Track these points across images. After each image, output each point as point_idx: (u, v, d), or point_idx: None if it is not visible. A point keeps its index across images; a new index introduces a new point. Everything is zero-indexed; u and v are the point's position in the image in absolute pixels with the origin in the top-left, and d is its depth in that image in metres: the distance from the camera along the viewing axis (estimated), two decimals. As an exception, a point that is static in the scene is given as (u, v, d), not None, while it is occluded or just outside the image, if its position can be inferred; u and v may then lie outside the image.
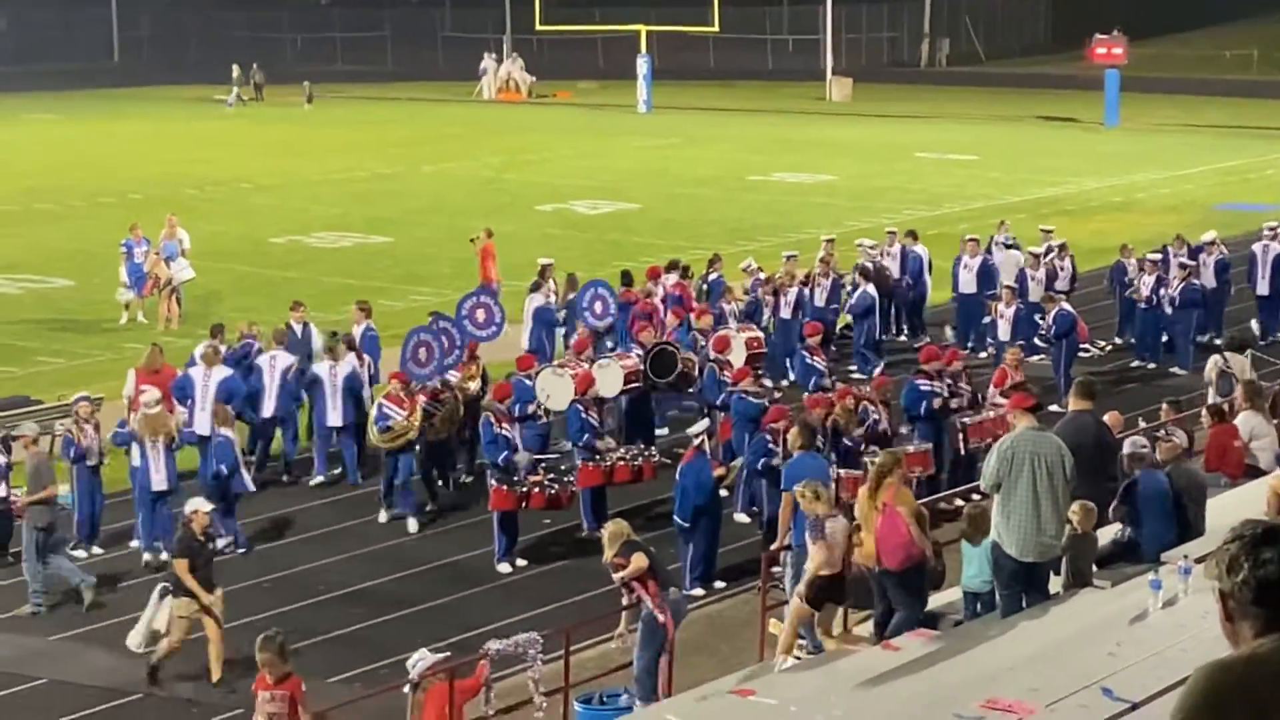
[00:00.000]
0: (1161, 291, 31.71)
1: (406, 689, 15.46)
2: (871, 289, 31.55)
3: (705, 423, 23.31)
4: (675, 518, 20.97)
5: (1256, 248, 34.33)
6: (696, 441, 21.35)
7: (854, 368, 30.79)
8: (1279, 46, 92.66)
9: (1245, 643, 4.91)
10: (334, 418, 25.61)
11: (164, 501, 22.30)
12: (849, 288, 31.88)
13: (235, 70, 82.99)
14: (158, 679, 18.58)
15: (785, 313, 31.00)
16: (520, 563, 22.17)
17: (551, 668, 16.81)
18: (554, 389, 24.79)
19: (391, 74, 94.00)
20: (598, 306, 28.95)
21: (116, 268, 35.76)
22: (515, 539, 22.31)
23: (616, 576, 17.25)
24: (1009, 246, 34.60)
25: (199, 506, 19.02)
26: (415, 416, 23.38)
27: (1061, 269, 32.89)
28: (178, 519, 20.00)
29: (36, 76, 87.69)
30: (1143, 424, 21.97)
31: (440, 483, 24.57)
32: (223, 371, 25.12)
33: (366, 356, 26.64)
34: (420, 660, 15.39)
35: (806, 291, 31.65)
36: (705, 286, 31.95)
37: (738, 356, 26.81)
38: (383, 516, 23.75)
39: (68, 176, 55.88)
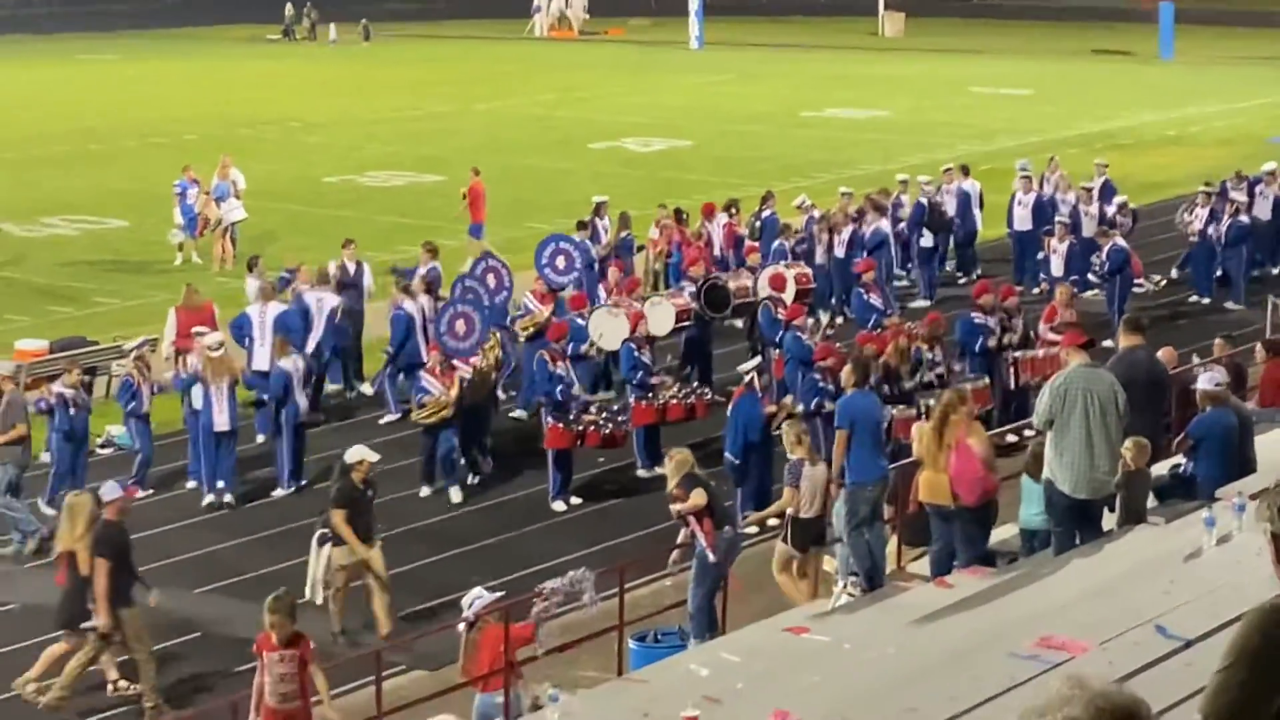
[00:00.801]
0: (1213, 227, 31.54)
1: (461, 628, 15.54)
2: (885, 223, 31.40)
3: (757, 360, 23.31)
4: (727, 455, 21.01)
5: None
6: (747, 379, 21.37)
7: (916, 299, 30.94)
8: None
9: (1297, 584, 4.94)
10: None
11: (227, 443, 22.42)
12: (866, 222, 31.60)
13: (288, 9, 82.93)
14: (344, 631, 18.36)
15: (840, 250, 30.89)
16: (575, 501, 22.27)
17: (605, 606, 16.88)
18: (608, 328, 24.80)
19: (444, 11, 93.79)
20: (560, 261, 27.43)
21: (171, 209, 35.89)
22: (570, 477, 22.41)
23: (674, 508, 17.34)
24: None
25: (364, 455, 18.49)
26: (453, 391, 22.48)
27: (1086, 213, 32.48)
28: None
29: (88, 17, 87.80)
30: (1196, 359, 21.89)
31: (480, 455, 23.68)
32: (278, 307, 25.24)
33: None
34: (476, 599, 15.44)
35: (862, 228, 31.53)
36: (758, 224, 31.89)
37: (789, 293, 26.79)
38: (424, 491, 22.78)
39: (121, 117, 56.02)
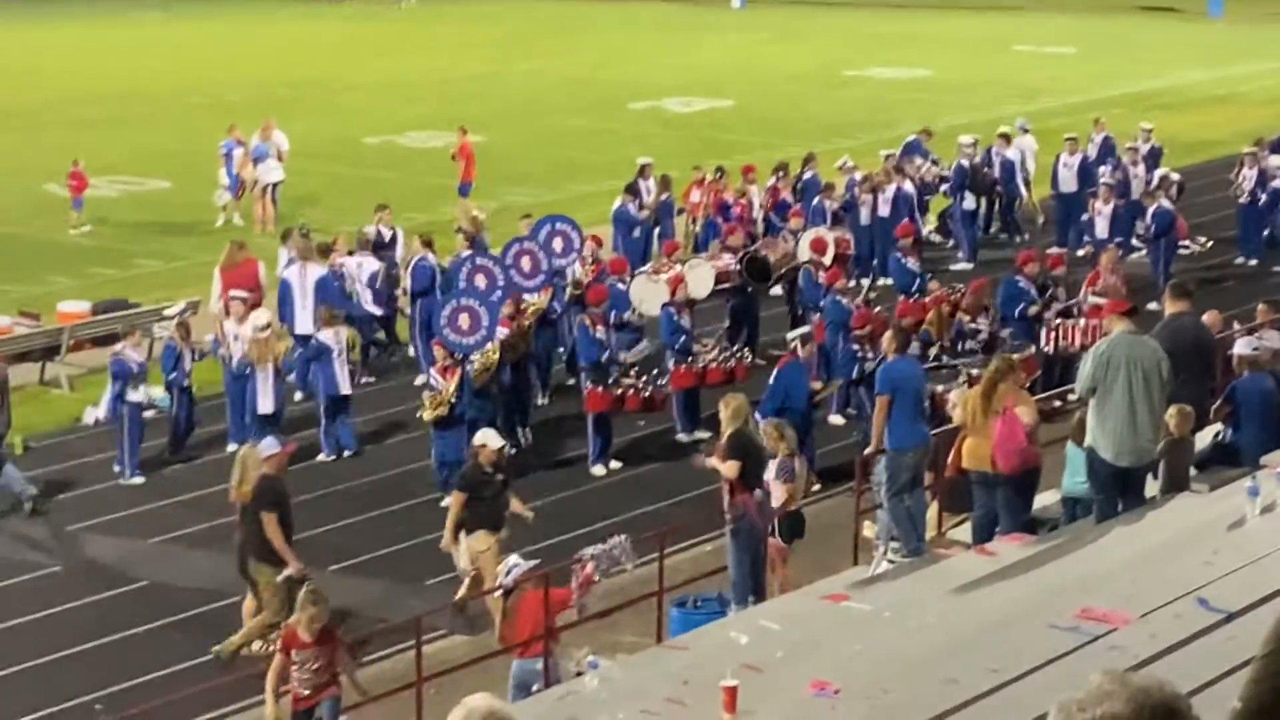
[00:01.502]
0: (1261, 188, 31.35)
1: (499, 594, 15.52)
2: (908, 185, 31.28)
3: (805, 328, 23.18)
4: (758, 417, 20.85)
5: None
6: (792, 346, 21.30)
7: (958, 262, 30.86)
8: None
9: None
10: None
11: (272, 426, 22.33)
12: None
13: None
14: (463, 610, 17.81)
15: (884, 210, 30.74)
16: (614, 465, 22.24)
17: (646, 571, 16.88)
18: (648, 294, 24.71)
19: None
20: (557, 244, 25.06)
21: (213, 170, 35.91)
22: (610, 441, 22.38)
23: (705, 461, 17.38)
24: (1025, 131, 34.54)
25: (488, 440, 17.92)
26: (452, 389, 21.41)
27: (1135, 176, 32.32)
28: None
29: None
30: (1237, 325, 21.73)
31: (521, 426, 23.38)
32: (318, 269, 25.18)
33: None
34: (514, 567, 15.44)
35: (906, 188, 31.37)
36: (799, 186, 31.78)
37: (829, 256, 26.71)
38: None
39: (162, 78, 56.06)
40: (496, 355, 22.28)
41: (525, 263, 23.97)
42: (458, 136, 36.55)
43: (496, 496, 17.79)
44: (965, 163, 32.28)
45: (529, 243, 24.32)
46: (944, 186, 32.73)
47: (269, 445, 17.73)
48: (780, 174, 31.71)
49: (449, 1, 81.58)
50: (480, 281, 23.36)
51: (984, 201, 32.87)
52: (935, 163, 33.34)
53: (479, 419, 21.04)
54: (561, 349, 25.44)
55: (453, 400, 21.11)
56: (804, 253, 26.52)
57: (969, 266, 30.62)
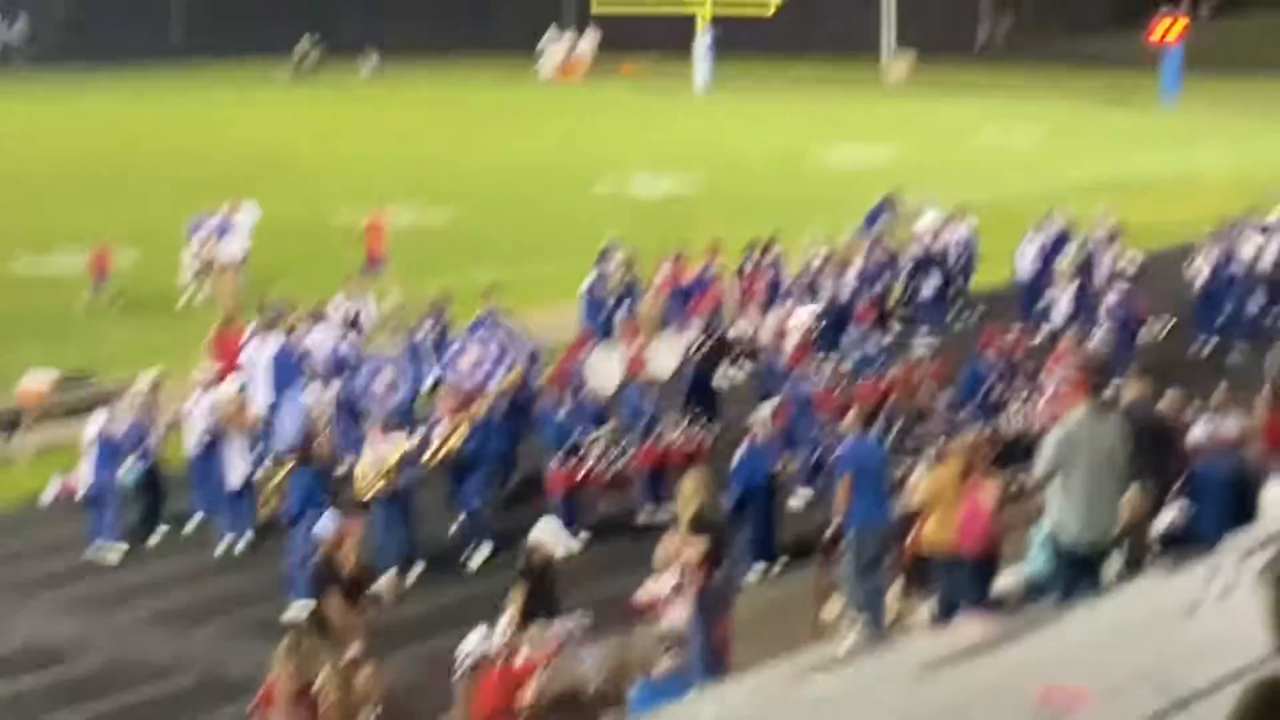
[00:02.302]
0: (1219, 272, 31.61)
1: (459, 674, 15.50)
2: (872, 262, 31.63)
3: (767, 407, 23.29)
4: (730, 500, 20.97)
5: None
6: (755, 426, 21.39)
7: (920, 340, 31.04)
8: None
9: (1297, 654, 4.96)
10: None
11: (242, 498, 22.32)
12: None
13: (305, 40, 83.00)
14: None
15: (845, 293, 30.98)
16: (583, 536, 22.27)
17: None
18: (605, 370, 24.84)
19: (453, 49, 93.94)
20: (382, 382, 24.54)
21: (180, 245, 35.94)
22: (574, 519, 22.40)
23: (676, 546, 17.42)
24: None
25: (546, 539, 17.32)
26: (460, 431, 22.08)
27: (1103, 259, 32.58)
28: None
29: (97, 51, 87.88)
30: (1196, 406, 21.89)
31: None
32: (278, 341, 25.27)
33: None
34: (473, 647, 15.40)
35: (866, 269, 31.64)
36: (764, 265, 31.95)
37: (792, 340, 26.90)
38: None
39: (130, 150, 56.16)
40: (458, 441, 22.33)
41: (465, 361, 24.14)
42: (372, 214, 36.51)
43: (550, 594, 17.22)
44: (925, 244, 32.53)
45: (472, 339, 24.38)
46: (905, 268, 32.99)
47: (324, 526, 17.49)
48: (751, 255, 31.91)
49: (416, 79, 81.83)
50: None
51: (944, 281, 33.05)
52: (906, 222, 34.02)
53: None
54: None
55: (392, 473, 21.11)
56: (766, 334, 26.68)
57: (933, 344, 30.77)
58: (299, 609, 19.24)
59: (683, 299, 29.97)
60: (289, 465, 21.16)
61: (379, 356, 24.65)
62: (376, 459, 21.20)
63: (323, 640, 16.19)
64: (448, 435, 22.06)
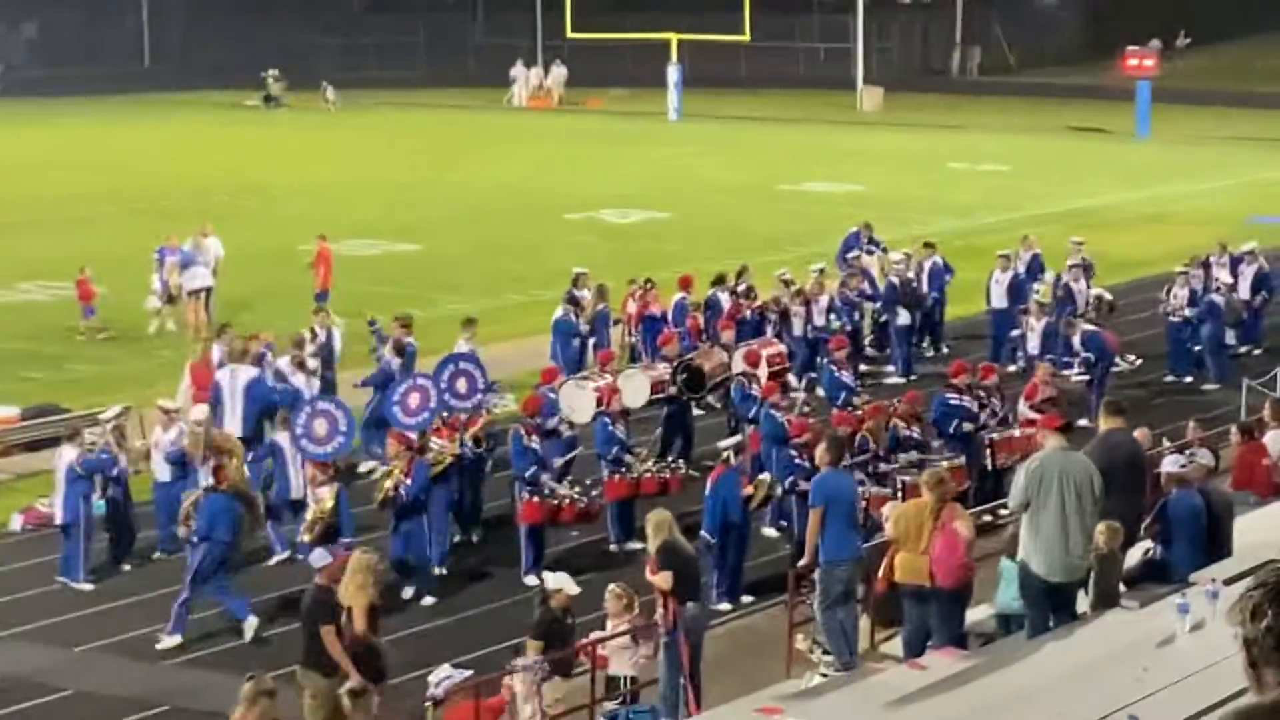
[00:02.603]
0: (1191, 307, 31.62)
1: (428, 704, 15.42)
2: (842, 294, 31.74)
3: (737, 438, 23.27)
4: (703, 533, 20.94)
5: None
6: (725, 456, 21.35)
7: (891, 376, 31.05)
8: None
9: (1269, 689, 4.90)
10: None
11: None
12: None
13: (274, 73, 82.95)
14: None
15: (819, 319, 31.01)
16: (546, 575, 22.13)
17: (580, 681, 16.83)
18: (577, 402, 24.82)
19: (424, 80, 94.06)
20: (460, 384, 24.31)
21: (148, 275, 35.83)
22: (543, 551, 22.32)
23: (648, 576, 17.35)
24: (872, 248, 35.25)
25: (563, 585, 17.43)
26: (454, 446, 22.49)
27: (1079, 292, 32.62)
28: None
29: (67, 81, 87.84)
30: (1166, 443, 21.91)
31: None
32: (249, 371, 25.17)
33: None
34: (445, 678, 15.34)
35: (838, 300, 31.64)
36: (731, 298, 31.91)
37: (764, 370, 26.92)
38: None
39: (99, 182, 56.00)
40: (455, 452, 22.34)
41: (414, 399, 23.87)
42: (315, 244, 36.50)
43: (567, 642, 17.15)
44: (895, 279, 32.54)
45: (424, 380, 24.22)
46: (875, 305, 33.02)
47: (319, 557, 17.51)
48: (723, 285, 31.88)
49: (388, 109, 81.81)
50: (462, 386, 24.07)
51: (917, 315, 33.02)
52: (885, 250, 33.93)
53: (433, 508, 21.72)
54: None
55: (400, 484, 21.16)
56: (737, 365, 26.66)
57: (902, 381, 30.75)
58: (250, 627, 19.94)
59: (655, 329, 29.89)
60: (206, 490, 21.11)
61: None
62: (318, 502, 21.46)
63: (318, 670, 16.15)
64: (382, 480, 21.93)
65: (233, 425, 24.36)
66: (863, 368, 31.66)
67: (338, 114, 79.79)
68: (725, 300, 31.19)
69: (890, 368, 32.18)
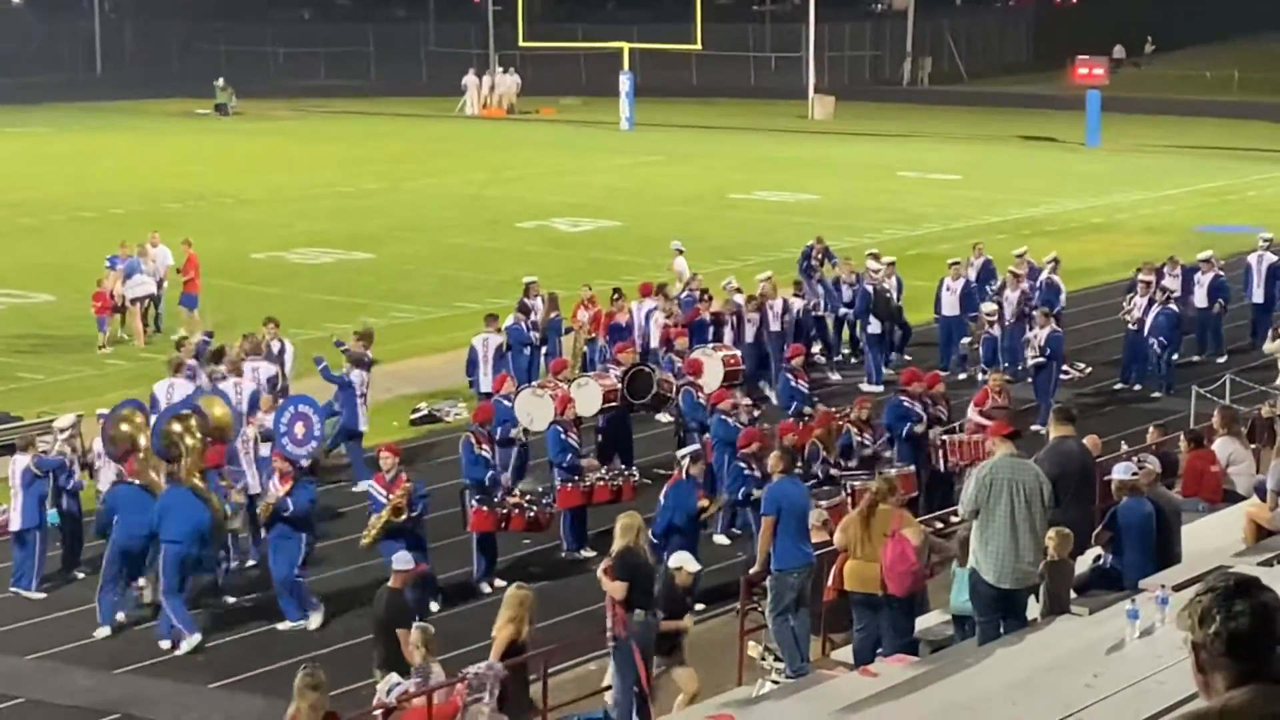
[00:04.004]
0: (1148, 314, 31.70)
1: (378, 713, 15.39)
2: (796, 301, 31.91)
3: (695, 447, 23.28)
4: (650, 535, 20.91)
5: (1251, 258, 35.58)
6: (682, 463, 21.37)
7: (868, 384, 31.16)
8: (1259, 67, 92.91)
9: (1218, 694, 4.94)
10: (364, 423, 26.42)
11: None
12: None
13: (220, 83, 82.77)
14: None
15: (775, 325, 31.14)
16: (499, 583, 22.11)
17: (532, 690, 16.82)
18: (535, 410, 24.82)
19: (374, 89, 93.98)
20: (298, 429, 23.55)
21: (98, 284, 35.66)
22: (494, 560, 22.31)
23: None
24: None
25: (684, 563, 17.55)
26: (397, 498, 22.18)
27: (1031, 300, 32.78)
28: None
29: (18, 89, 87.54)
30: (1125, 447, 22.02)
31: None
32: (185, 386, 25.14)
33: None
34: (394, 685, 15.30)
35: (791, 303, 31.74)
36: (684, 303, 31.98)
37: (712, 378, 26.97)
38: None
39: (49, 190, 55.79)
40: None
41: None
42: (183, 249, 36.38)
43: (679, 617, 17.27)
44: (870, 287, 32.56)
45: (305, 405, 24.01)
46: (848, 311, 33.18)
47: (404, 560, 17.78)
48: (675, 292, 31.94)
49: (341, 118, 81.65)
50: (299, 430, 23.49)
51: (890, 325, 32.99)
52: (835, 263, 34.17)
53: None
54: None
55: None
56: (691, 372, 26.71)
57: (878, 390, 30.58)
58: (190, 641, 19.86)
59: (608, 337, 29.91)
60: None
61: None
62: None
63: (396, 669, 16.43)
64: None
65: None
66: (836, 377, 31.87)
67: (291, 122, 79.56)
68: (659, 311, 31.07)
69: (865, 378, 32.12)
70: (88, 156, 66.06)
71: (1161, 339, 31.25)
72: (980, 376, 29.15)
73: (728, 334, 30.46)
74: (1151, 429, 22.60)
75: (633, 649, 16.82)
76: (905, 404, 24.40)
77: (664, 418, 27.86)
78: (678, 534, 20.72)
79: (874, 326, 32.40)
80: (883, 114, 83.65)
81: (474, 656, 17.59)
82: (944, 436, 24.14)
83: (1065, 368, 31.00)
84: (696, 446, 23.32)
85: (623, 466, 24.66)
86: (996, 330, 30.89)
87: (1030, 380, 29.78)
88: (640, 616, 17.09)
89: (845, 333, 34.08)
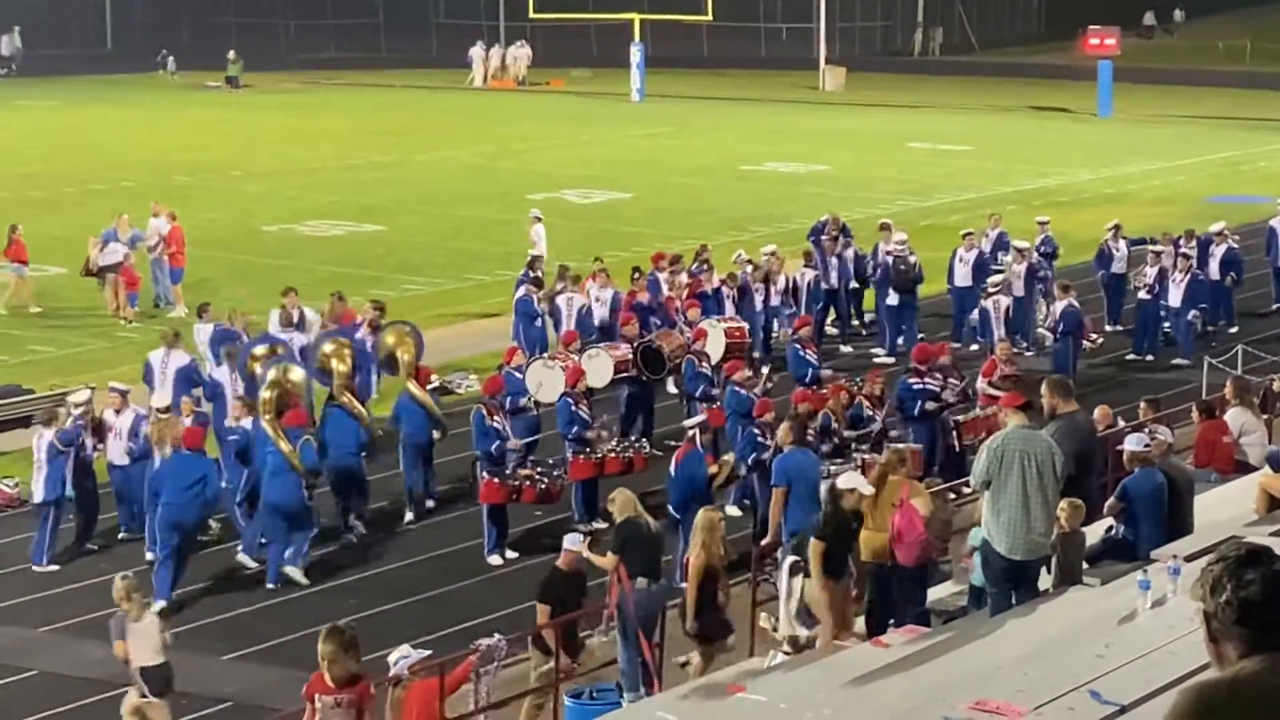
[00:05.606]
0: (1163, 284, 31.62)
1: (388, 683, 15.41)
2: (806, 273, 32.00)
3: (701, 418, 23.30)
4: (670, 510, 20.96)
5: (1275, 222, 35.93)
6: (691, 434, 21.38)
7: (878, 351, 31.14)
8: (1272, 37, 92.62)
9: (1229, 663, 4.94)
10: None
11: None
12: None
13: (232, 55, 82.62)
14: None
15: (775, 300, 31.14)
16: (511, 555, 22.19)
17: (541, 662, 16.87)
18: (546, 381, 24.80)
19: (385, 61, 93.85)
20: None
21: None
22: (505, 531, 22.33)
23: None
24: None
25: (855, 484, 16.73)
26: None
27: (1116, 250, 33.42)
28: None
29: (29, 62, 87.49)
30: (1122, 422, 21.97)
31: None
32: (181, 356, 25.21)
33: None
34: (403, 658, 15.28)
35: (798, 277, 31.74)
36: (694, 274, 31.95)
37: (715, 347, 26.94)
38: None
39: (60, 163, 55.76)
40: None
41: None
42: (167, 221, 36.27)
43: (848, 546, 16.74)
44: (890, 259, 32.46)
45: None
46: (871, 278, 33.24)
47: (572, 540, 17.93)
48: (684, 264, 31.89)
49: (351, 90, 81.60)
50: None
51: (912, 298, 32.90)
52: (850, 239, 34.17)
53: None
54: None
55: None
56: (700, 342, 26.72)
57: (890, 361, 30.51)
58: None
59: (619, 309, 29.86)
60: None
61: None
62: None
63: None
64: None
65: (159, 401, 24.08)
66: (846, 349, 31.85)
67: (300, 94, 79.51)
68: (663, 281, 31.04)
69: (881, 347, 32.10)
70: (99, 129, 66.02)
71: (1203, 305, 31.49)
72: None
73: (728, 306, 30.34)
74: (1143, 404, 22.41)
75: (632, 618, 16.84)
76: (914, 381, 24.34)
77: (673, 389, 27.83)
78: (694, 502, 20.73)
79: (892, 298, 32.35)
80: (893, 85, 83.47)
81: (486, 627, 17.63)
82: (956, 418, 24.11)
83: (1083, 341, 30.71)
84: (703, 417, 23.35)
85: (634, 438, 24.67)
86: (1008, 303, 30.76)
87: (1041, 352, 29.74)
88: (642, 584, 17.13)
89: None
